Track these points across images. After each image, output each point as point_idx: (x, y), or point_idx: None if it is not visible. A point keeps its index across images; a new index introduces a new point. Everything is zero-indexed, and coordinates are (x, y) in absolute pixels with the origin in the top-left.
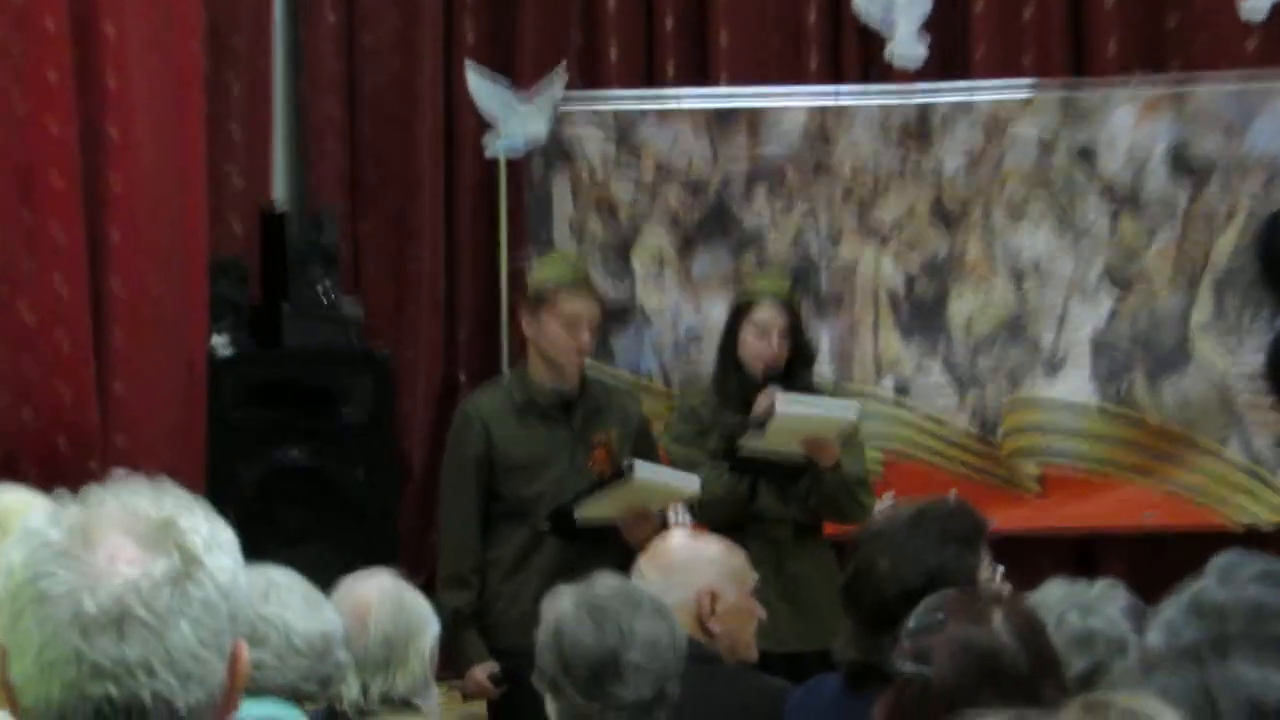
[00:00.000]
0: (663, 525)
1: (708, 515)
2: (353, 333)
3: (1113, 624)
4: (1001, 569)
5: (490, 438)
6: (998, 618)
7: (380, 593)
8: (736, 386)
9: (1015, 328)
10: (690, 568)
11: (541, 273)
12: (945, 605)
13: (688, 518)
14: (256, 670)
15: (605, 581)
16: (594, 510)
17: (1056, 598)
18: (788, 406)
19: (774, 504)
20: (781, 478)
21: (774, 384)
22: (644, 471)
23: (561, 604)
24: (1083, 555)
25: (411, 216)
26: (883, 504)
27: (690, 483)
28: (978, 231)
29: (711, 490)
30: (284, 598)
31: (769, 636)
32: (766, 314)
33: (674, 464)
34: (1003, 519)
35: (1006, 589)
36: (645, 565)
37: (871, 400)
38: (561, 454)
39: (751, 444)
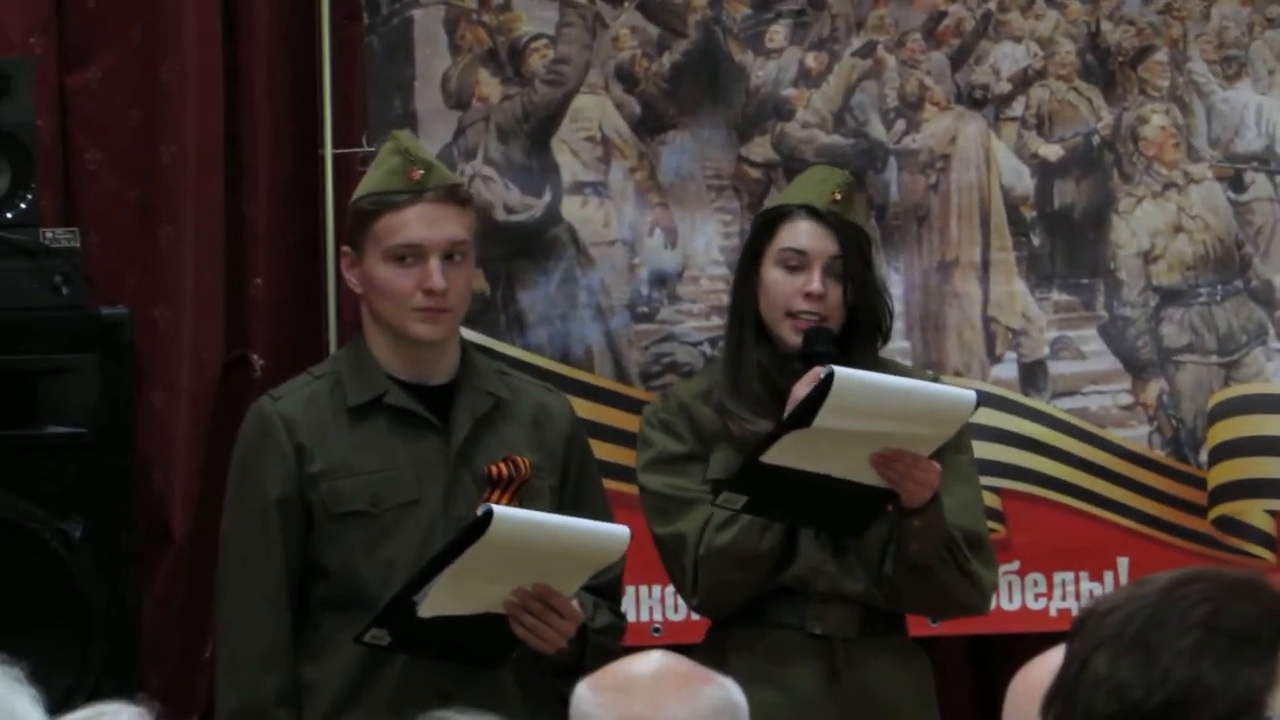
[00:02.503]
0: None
1: (702, 592)
2: (64, 280)
3: None
4: None
5: (306, 464)
6: None
7: None
8: (758, 367)
9: (1230, 266)
10: None
11: (365, 179)
12: None
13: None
14: None
15: None
16: (452, 596)
17: None
18: (851, 376)
19: (825, 567)
20: (838, 519)
21: (823, 357)
22: (507, 522)
23: None
24: None
25: (164, 71)
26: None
27: (609, 537)
28: (1164, 94)
29: (713, 545)
30: None
31: None
32: (804, 235)
33: (656, 508)
34: None
35: None
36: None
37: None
38: (430, 491)
39: (784, 455)
